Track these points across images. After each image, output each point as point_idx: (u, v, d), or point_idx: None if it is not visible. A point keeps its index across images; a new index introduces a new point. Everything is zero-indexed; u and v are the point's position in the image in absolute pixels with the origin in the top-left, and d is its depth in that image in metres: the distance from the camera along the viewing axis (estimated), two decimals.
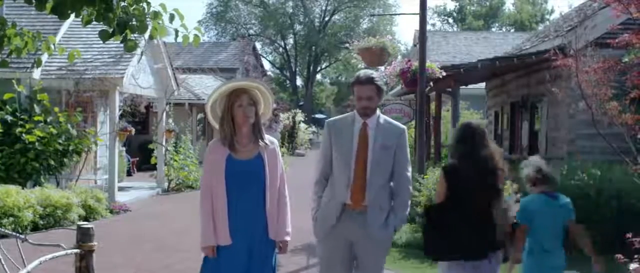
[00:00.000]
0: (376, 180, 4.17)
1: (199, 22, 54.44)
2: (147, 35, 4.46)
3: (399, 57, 14.59)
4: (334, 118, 4.51)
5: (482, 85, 16.45)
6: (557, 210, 4.64)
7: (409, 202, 4.31)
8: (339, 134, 4.29)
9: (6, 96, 11.39)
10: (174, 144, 16.21)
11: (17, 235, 4.08)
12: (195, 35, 4.36)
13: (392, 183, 4.28)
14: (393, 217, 4.23)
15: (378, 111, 4.29)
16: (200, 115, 22.40)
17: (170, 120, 16.25)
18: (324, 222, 4.27)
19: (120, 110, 13.43)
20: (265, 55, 54.73)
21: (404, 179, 4.26)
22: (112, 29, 3.98)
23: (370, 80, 4.19)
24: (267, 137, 4.03)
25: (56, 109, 11.73)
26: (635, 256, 5.47)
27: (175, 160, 15.70)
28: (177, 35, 4.31)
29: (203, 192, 3.98)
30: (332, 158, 4.29)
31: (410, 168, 4.31)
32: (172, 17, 4.23)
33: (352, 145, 4.20)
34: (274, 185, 3.97)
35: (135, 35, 4.15)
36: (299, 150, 33.13)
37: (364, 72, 4.31)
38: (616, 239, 7.20)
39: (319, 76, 61.16)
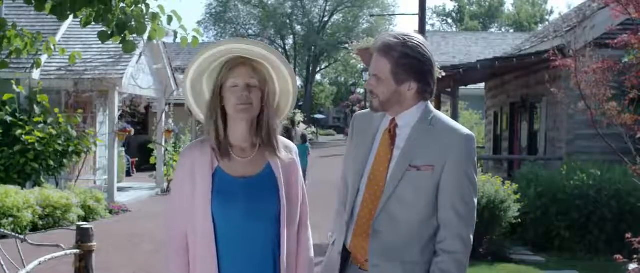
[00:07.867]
0: (392, 223, 2.35)
1: (198, 22, 54.57)
2: (146, 36, 4.45)
3: None
4: (364, 111, 2.63)
5: (482, 85, 16.46)
6: None
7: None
8: (361, 134, 2.54)
9: (6, 97, 11.39)
10: (174, 144, 16.23)
11: (17, 235, 4.08)
12: (194, 37, 4.36)
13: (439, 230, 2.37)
14: None
15: (428, 104, 2.46)
16: None
17: (170, 121, 16.27)
18: None
19: (119, 110, 13.44)
20: None
21: (451, 232, 2.32)
22: (111, 30, 3.99)
23: (383, 49, 2.41)
24: (281, 141, 2.46)
25: (56, 110, 11.74)
26: (635, 256, 5.47)
27: (175, 161, 15.70)
28: (176, 37, 4.31)
29: (171, 240, 2.37)
30: None
31: (472, 215, 2.36)
32: (170, 19, 4.24)
33: (368, 154, 2.47)
34: (292, 220, 2.42)
35: (134, 36, 4.15)
36: None
37: (384, 36, 2.50)
38: (616, 239, 7.22)
39: (318, 76, 61.18)
